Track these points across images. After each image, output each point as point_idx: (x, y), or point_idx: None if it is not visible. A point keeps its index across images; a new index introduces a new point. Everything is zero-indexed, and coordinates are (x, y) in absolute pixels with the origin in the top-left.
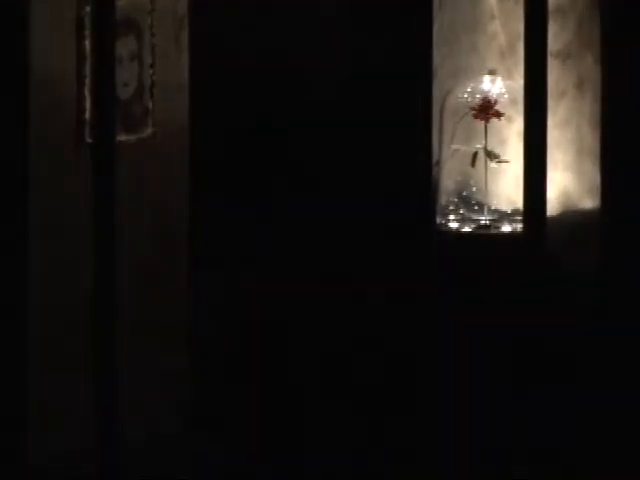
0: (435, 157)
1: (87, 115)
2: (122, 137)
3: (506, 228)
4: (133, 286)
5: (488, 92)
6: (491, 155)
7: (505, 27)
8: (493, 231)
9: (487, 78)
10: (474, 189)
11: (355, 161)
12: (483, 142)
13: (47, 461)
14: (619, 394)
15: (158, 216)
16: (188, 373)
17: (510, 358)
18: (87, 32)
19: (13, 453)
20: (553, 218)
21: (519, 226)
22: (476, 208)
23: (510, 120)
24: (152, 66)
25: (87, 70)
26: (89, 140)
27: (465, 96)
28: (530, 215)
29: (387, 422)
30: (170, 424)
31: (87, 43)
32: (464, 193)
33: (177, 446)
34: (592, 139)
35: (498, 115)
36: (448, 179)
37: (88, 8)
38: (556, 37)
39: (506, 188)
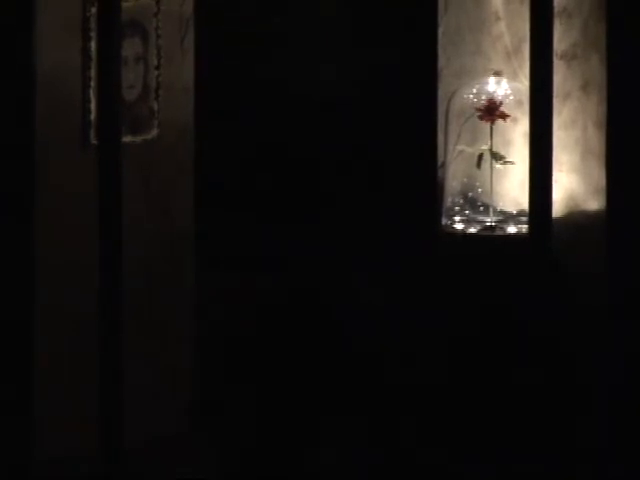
0: (440, 158)
1: (93, 116)
2: (127, 138)
3: (511, 229)
4: (138, 286)
5: (493, 93)
6: (496, 156)
7: (510, 28)
8: (498, 232)
9: (492, 79)
10: (479, 190)
11: (359, 162)
12: (488, 143)
13: (49, 461)
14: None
15: (163, 216)
16: (190, 373)
17: (513, 358)
18: (93, 33)
19: (17, 452)
20: (558, 219)
21: (524, 227)
22: (481, 209)
23: (515, 121)
24: (158, 68)
25: (93, 71)
26: (95, 141)
27: (470, 97)
28: (535, 216)
29: (387, 420)
30: (171, 424)
31: (93, 44)
32: (469, 194)
33: (178, 447)
34: (597, 140)
35: (503, 116)
36: (453, 180)
37: (94, 9)
38: (561, 38)
39: (511, 189)
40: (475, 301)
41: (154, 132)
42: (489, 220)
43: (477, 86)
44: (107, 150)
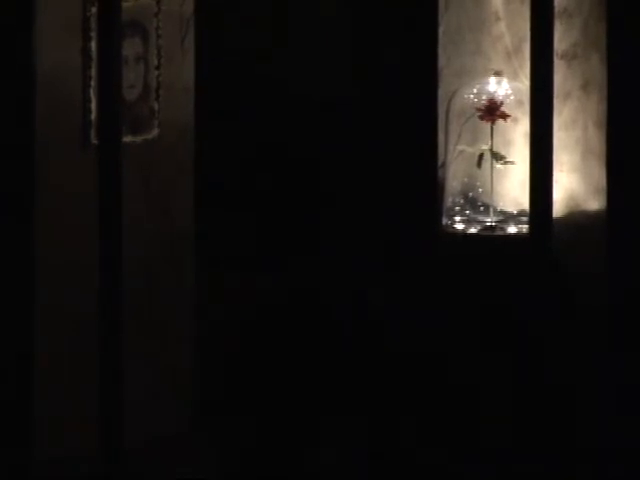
0: (441, 158)
1: (93, 116)
2: (128, 138)
3: (512, 229)
4: (138, 286)
5: (494, 93)
6: (497, 156)
7: (511, 28)
8: (499, 232)
9: (493, 79)
10: (480, 190)
11: (359, 162)
12: (489, 143)
13: (49, 461)
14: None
15: (163, 216)
16: (190, 373)
17: (513, 357)
18: (93, 33)
19: (17, 452)
20: (559, 219)
21: (525, 227)
22: (482, 209)
23: (516, 121)
24: (158, 68)
25: (93, 71)
26: (95, 141)
27: (471, 97)
28: (536, 216)
29: (387, 420)
30: (171, 424)
31: (93, 44)
32: (470, 194)
33: (178, 447)
34: (598, 140)
35: (504, 116)
36: (454, 180)
37: (94, 9)
38: (562, 38)
39: (512, 189)
40: (475, 301)
41: (154, 132)
42: (489, 220)
43: (477, 86)
44: (107, 150)
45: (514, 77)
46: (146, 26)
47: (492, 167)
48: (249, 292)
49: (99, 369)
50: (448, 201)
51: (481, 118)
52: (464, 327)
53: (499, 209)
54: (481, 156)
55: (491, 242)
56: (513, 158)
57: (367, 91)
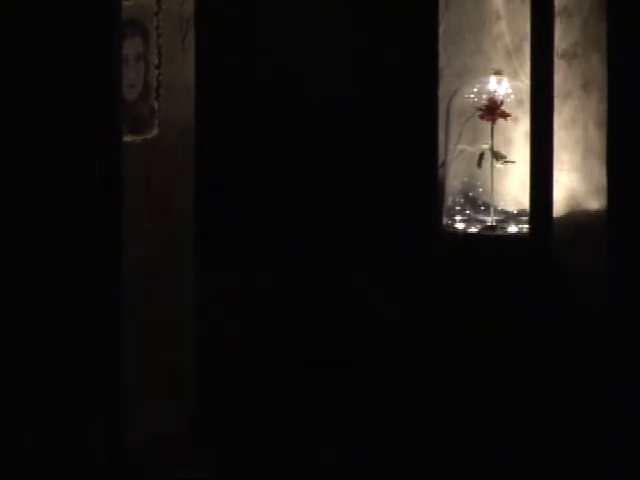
0: (441, 158)
1: None
2: (128, 137)
3: (512, 228)
4: (138, 286)
5: (494, 92)
6: (497, 156)
7: (511, 27)
8: (499, 232)
9: (493, 78)
10: (480, 190)
11: (361, 162)
12: (489, 142)
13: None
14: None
15: (163, 216)
16: (191, 373)
17: (513, 357)
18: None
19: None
20: (559, 219)
21: (525, 227)
22: (482, 209)
23: (516, 120)
24: (158, 67)
25: None
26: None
27: (471, 96)
28: (536, 215)
29: (387, 421)
30: (171, 424)
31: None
32: (470, 194)
33: (178, 447)
34: (598, 139)
35: (504, 115)
36: (454, 180)
37: None
38: (562, 37)
39: (512, 188)
40: (475, 301)
41: (155, 131)
42: (490, 219)
43: (478, 85)
44: (107, 150)
45: (514, 76)
46: (146, 25)
47: (492, 166)
48: (249, 292)
49: (99, 369)
50: (448, 200)
51: (481, 117)
52: (464, 327)
53: (499, 208)
54: (481, 155)
55: (491, 242)
56: (513, 157)
57: (367, 91)
